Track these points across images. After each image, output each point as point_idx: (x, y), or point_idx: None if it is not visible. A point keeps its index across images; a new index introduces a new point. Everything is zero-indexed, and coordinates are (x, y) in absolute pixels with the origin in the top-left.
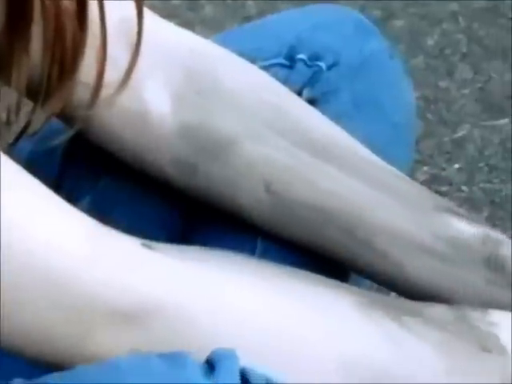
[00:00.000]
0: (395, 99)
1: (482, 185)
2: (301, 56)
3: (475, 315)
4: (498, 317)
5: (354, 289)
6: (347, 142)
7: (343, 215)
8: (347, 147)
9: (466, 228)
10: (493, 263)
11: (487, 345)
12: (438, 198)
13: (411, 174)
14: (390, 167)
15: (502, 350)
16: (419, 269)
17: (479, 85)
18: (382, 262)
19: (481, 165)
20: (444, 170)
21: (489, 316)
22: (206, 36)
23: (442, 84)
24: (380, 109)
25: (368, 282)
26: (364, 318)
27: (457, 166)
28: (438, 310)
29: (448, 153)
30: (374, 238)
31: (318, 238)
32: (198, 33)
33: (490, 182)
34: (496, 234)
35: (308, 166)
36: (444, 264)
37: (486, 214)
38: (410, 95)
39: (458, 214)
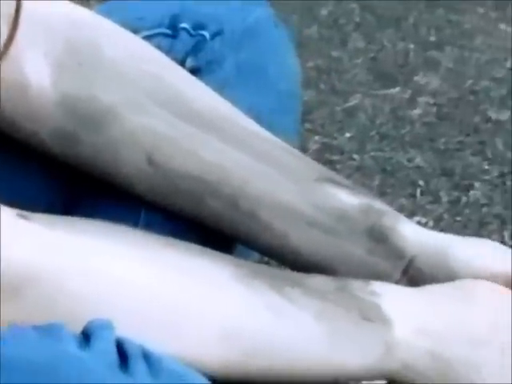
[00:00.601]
0: (280, 67)
1: (373, 153)
2: (184, 25)
3: (357, 285)
4: (380, 287)
5: (237, 260)
6: (230, 112)
7: (225, 186)
8: (230, 118)
9: (348, 199)
10: (375, 234)
11: (369, 314)
12: (322, 169)
13: (303, 144)
14: (274, 138)
15: (384, 319)
16: (302, 240)
17: (372, 54)
18: (265, 234)
19: (372, 133)
20: (335, 139)
21: (371, 286)
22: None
23: (335, 54)
24: (264, 77)
25: (256, 254)
26: (245, 289)
27: (348, 134)
28: (319, 280)
29: (340, 122)
30: (257, 210)
31: (201, 210)
32: (93, 5)
33: (381, 150)
34: (379, 205)
35: (190, 137)
36: (327, 235)
37: (377, 182)
38: (295, 64)
39: (341, 185)
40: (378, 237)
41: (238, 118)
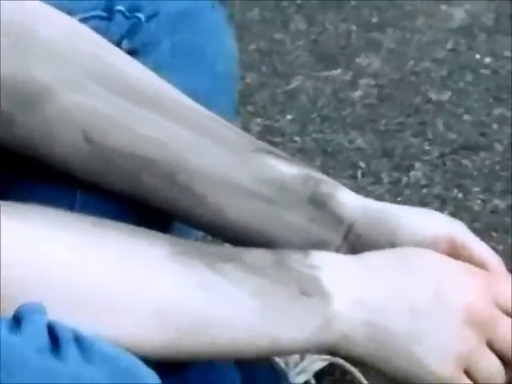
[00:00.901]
0: (216, 49)
1: (314, 135)
2: (119, 7)
3: (295, 257)
4: (320, 259)
5: (172, 239)
6: (168, 88)
7: (162, 161)
8: (168, 94)
9: (287, 169)
10: (315, 201)
11: (308, 289)
12: (260, 143)
13: (244, 126)
14: (211, 113)
15: (322, 292)
16: (240, 211)
17: (313, 36)
18: (202, 207)
19: (313, 115)
20: (277, 121)
21: (310, 258)
22: None
23: (277, 36)
24: (201, 59)
25: (195, 234)
26: (178, 267)
27: (289, 117)
28: (255, 255)
29: (281, 104)
30: (194, 183)
31: (138, 186)
32: None
33: (322, 132)
34: (317, 174)
35: (127, 113)
36: (267, 205)
37: (318, 163)
38: (232, 45)
39: (279, 156)
40: (318, 204)
41: (176, 94)
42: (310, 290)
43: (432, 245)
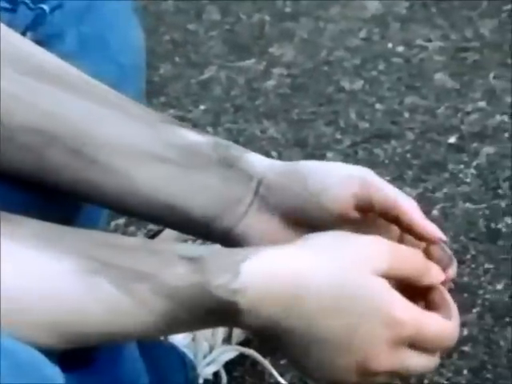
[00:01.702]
0: (122, 40)
1: (227, 125)
2: None
3: (220, 282)
4: (245, 282)
5: (85, 251)
6: (70, 67)
7: (68, 135)
8: (70, 70)
9: (196, 136)
10: (224, 163)
11: (222, 316)
12: (165, 115)
13: None
14: (116, 92)
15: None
16: (150, 178)
17: (227, 26)
18: (111, 177)
19: (226, 105)
20: (190, 112)
21: (234, 283)
22: None
23: (191, 27)
24: (106, 50)
25: (103, 220)
26: (83, 285)
27: (203, 107)
28: (174, 274)
29: (195, 94)
30: (101, 154)
31: (43, 164)
32: None
33: (235, 122)
34: (225, 141)
35: (32, 91)
36: (176, 169)
37: None
38: (138, 36)
39: (187, 127)
40: (228, 165)
41: (81, 73)
42: (222, 314)
43: (343, 186)
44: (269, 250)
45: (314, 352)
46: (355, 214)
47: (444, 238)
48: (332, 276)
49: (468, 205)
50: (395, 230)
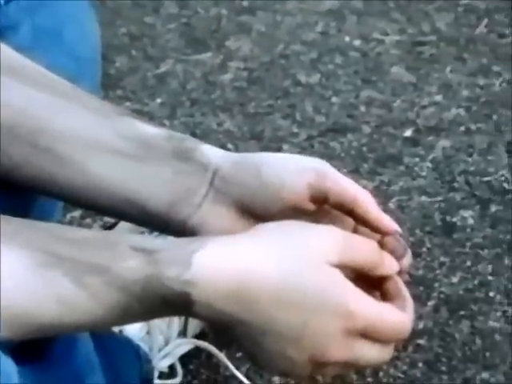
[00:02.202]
0: (78, 33)
1: (183, 119)
2: None
3: (171, 273)
4: (197, 273)
5: (43, 246)
6: (24, 59)
7: (23, 126)
8: (25, 62)
9: (150, 129)
10: (179, 155)
11: (173, 305)
12: (121, 108)
13: None
14: (72, 84)
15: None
16: (104, 169)
17: (184, 20)
18: (66, 167)
19: (183, 99)
20: (147, 105)
21: (186, 274)
22: None
23: (148, 20)
24: (61, 43)
25: (59, 213)
26: (38, 279)
27: (159, 100)
28: (127, 267)
29: (151, 88)
30: (57, 144)
31: (3, 158)
32: None
33: (191, 115)
34: (179, 134)
35: None
36: (130, 161)
37: None
38: (94, 29)
39: (142, 120)
40: (182, 157)
41: (35, 65)
42: (176, 305)
43: (298, 177)
44: (218, 241)
45: (268, 344)
46: (310, 206)
47: (399, 230)
48: (283, 266)
49: (423, 198)
50: (350, 221)
